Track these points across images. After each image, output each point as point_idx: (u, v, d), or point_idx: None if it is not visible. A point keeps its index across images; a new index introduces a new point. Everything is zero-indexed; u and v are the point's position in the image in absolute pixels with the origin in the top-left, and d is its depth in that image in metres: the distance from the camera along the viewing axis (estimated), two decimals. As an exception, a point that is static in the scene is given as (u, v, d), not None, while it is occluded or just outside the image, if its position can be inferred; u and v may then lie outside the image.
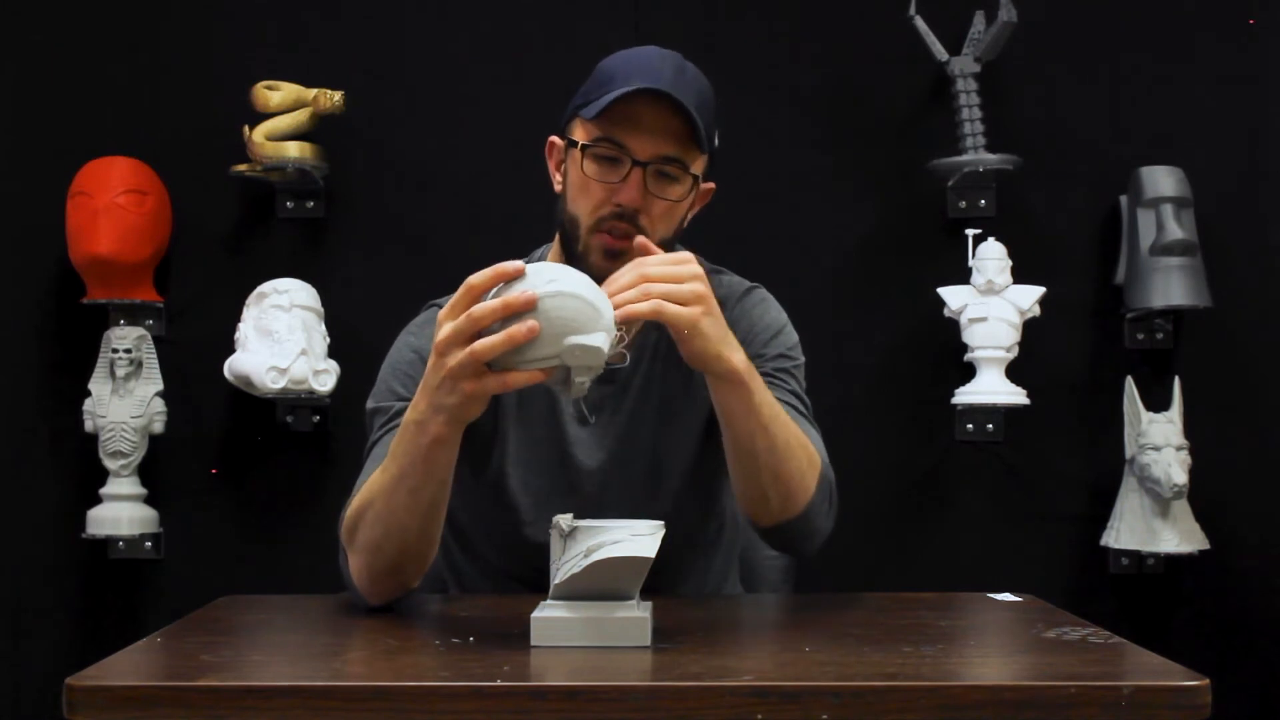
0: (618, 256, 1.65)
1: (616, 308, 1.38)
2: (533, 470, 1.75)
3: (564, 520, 1.38)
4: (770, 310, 1.81)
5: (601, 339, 1.35)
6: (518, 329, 1.32)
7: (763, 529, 1.64)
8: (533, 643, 1.36)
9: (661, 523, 1.39)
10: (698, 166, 1.67)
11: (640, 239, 1.55)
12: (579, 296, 1.35)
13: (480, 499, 1.79)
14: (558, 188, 1.73)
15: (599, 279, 1.62)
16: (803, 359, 1.81)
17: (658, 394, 1.76)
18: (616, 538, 1.36)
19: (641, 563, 1.36)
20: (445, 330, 1.36)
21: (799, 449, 1.58)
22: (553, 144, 1.75)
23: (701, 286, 1.45)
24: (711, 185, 1.75)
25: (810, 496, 1.60)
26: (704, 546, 1.85)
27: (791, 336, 1.81)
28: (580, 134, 1.67)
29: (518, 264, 1.36)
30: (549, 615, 1.37)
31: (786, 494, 1.58)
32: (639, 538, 1.36)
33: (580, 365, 1.34)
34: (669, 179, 1.65)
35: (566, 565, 1.37)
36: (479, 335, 1.34)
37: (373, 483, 1.53)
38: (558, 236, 1.74)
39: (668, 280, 1.44)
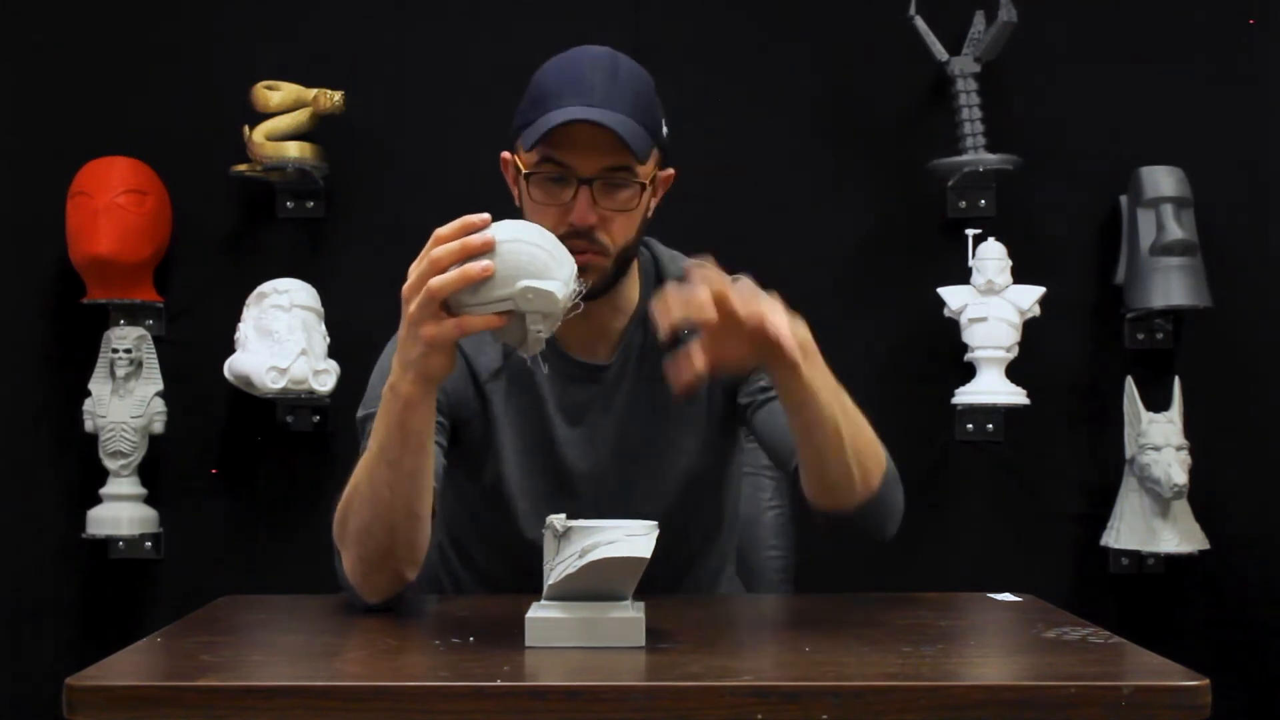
0: (580, 271, 1.65)
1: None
2: (527, 474, 1.75)
3: (558, 520, 1.38)
4: None
5: (557, 286, 1.37)
6: (472, 266, 1.36)
7: (847, 514, 1.58)
8: (527, 643, 1.36)
9: (655, 523, 1.39)
10: (648, 168, 1.66)
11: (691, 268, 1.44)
12: (538, 245, 1.39)
13: (477, 504, 1.79)
14: (518, 203, 1.73)
15: None
16: None
17: (650, 393, 1.76)
18: (611, 538, 1.35)
19: (637, 563, 1.35)
20: (409, 277, 1.40)
21: (864, 418, 1.57)
22: (505, 160, 1.74)
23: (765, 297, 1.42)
24: (671, 172, 1.75)
25: (885, 465, 1.59)
26: (703, 546, 1.85)
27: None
28: (521, 160, 1.67)
29: (484, 215, 1.40)
30: (543, 616, 1.37)
31: (868, 468, 1.56)
32: (634, 538, 1.36)
33: (534, 311, 1.37)
34: (616, 186, 1.64)
35: (561, 565, 1.36)
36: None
37: (357, 469, 1.54)
38: None
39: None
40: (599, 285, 1.67)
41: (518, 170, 1.69)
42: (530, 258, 1.37)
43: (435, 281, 1.37)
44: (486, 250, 1.37)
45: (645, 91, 1.66)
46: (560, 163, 1.63)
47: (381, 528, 1.51)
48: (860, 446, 1.55)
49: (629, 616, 1.37)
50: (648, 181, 1.67)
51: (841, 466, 1.54)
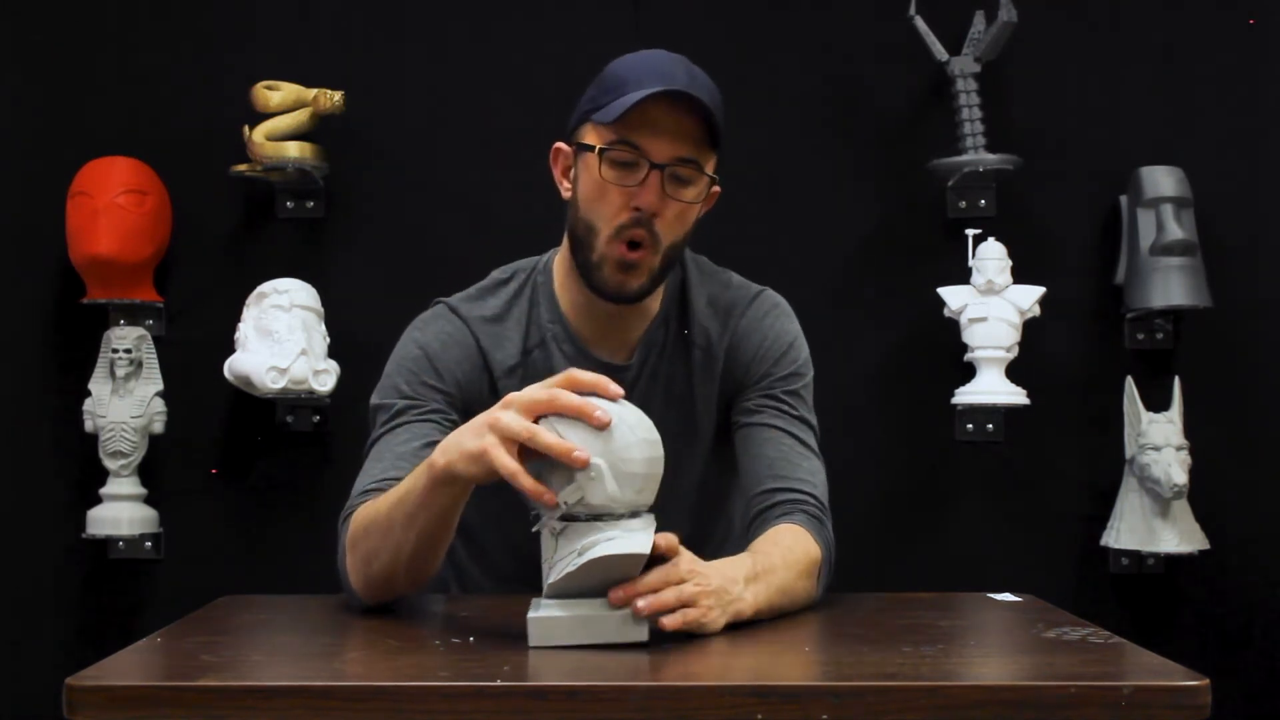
0: (630, 269, 1.65)
1: (647, 609, 1.37)
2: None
3: (554, 519, 1.38)
4: (779, 320, 1.79)
5: (616, 494, 1.34)
6: (595, 413, 1.32)
7: None
8: (531, 643, 1.36)
9: (653, 516, 1.39)
10: (711, 167, 1.68)
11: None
12: (643, 443, 1.35)
13: (488, 499, 1.78)
14: (566, 194, 1.72)
15: (611, 291, 1.63)
16: (811, 373, 1.80)
17: (667, 395, 1.76)
18: (609, 534, 1.35)
19: (636, 558, 1.35)
20: (529, 390, 1.36)
21: (805, 589, 1.60)
22: (559, 150, 1.73)
23: (713, 598, 1.43)
24: (718, 190, 1.75)
25: (814, 590, 1.63)
26: (710, 550, 1.85)
27: (802, 350, 1.79)
28: (593, 139, 1.65)
29: (619, 390, 1.37)
30: (545, 615, 1.37)
31: (800, 603, 1.62)
32: (632, 533, 1.35)
33: (577, 487, 1.33)
34: (684, 181, 1.65)
35: (560, 564, 1.36)
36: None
37: (386, 496, 1.53)
38: (566, 243, 1.73)
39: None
40: (648, 290, 1.68)
41: (573, 158, 1.69)
42: (626, 455, 1.34)
43: (565, 398, 1.33)
44: (604, 425, 1.33)
45: (718, 96, 1.67)
46: (635, 145, 1.62)
47: (389, 559, 1.51)
48: (802, 602, 1.60)
49: (631, 612, 1.37)
50: (714, 175, 1.67)
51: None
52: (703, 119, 1.61)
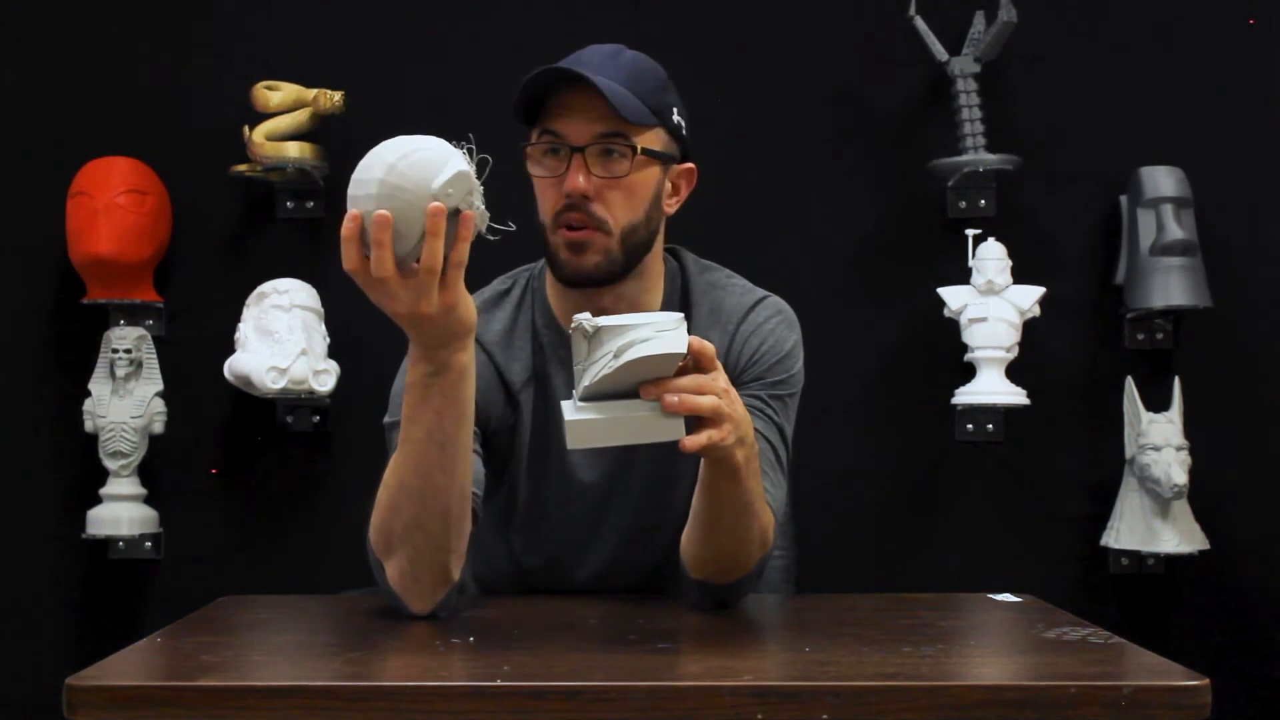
0: (578, 248, 1.63)
1: (680, 406, 1.37)
2: (540, 480, 1.74)
3: (586, 320, 1.36)
4: (779, 328, 1.76)
5: (455, 164, 1.36)
6: (375, 233, 1.35)
7: (687, 575, 1.63)
8: (569, 446, 1.36)
9: (682, 315, 1.38)
10: (648, 141, 1.65)
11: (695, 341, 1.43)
12: (411, 152, 1.37)
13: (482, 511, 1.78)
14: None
15: (569, 275, 1.63)
16: (800, 386, 1.77)
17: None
18: (644, 335, 1.34)
19: (673, 358, 1.34)
20: (380, 302, 1.39)
21: (758, 535, 1.57)
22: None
23: (733, 425, 1.43)
24: (691, 166, 1.73)
25: (745, 574, 1.60)
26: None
27: (796, 361, 1.76)
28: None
29: (351, 211, 1.39)
30: (582, 418, 1.35)
31: (726, 569, 1.59)
32: (666, 333, 1.34)
33: (464, 198, 1.35)
34: (614, 155, 1.63)
35: (595, 366, 1.35)
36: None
37: (393, 470, 1.50)
38: None
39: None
40: (606, 269, 1.65)
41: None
42: (420, 168, 1.35)
43: (377, 271, 1.35)
44: (387, 224, 1.34)
45: (646, 71, 1.66)
46: (553, 132, 1.62)
47: (434, 518, 1.48)
48: (730, 552, 1.57)
49: (665, 411, 1.36)
50: (641, 149, 1.64)
51: (703, 554, 1.58)
52: (613, 93, 1.59)
